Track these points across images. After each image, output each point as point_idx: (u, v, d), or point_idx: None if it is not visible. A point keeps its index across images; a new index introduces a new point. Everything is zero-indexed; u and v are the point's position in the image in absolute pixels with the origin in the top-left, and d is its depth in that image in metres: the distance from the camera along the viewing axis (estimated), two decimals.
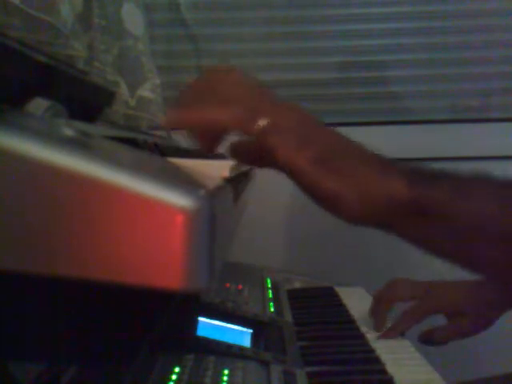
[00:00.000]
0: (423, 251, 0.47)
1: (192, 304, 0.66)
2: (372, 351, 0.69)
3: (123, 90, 0.93)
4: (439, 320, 0.82)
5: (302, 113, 0.49)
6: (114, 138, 0.40)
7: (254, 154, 0.48)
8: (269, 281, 0.97)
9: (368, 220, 0.46)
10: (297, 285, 1.02)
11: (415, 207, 0.44)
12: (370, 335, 0.75)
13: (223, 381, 0.55)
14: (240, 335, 0.70)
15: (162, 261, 0.21)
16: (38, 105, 0.28)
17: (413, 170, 0.47)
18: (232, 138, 0.49)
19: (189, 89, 0.50)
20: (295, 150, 0.45)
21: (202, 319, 0.68)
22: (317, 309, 0.88)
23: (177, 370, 0.55)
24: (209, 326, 0.69)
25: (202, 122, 0.47)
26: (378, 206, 0.45)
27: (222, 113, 0.46)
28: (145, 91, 0.97)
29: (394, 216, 0.45)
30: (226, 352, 0.61)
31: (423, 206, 0.44)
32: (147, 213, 0.21)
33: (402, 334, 0.79)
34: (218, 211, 0.23)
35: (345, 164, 0.46)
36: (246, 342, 0.69)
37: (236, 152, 0.49)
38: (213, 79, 0.50)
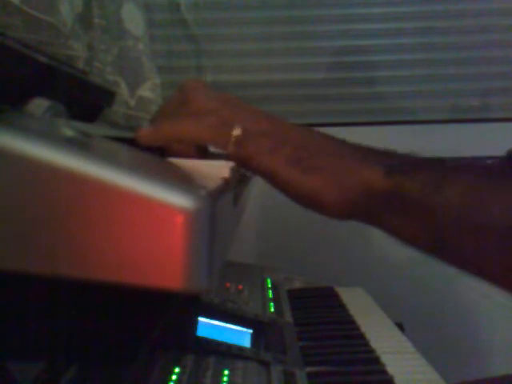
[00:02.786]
0: (402, 243, 0.47)
1: (192, 304, 0.66)
2: (372, 351, 0.69)
3: (123, 90, 0.93)
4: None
5: (272, 117, 0.49)
6: (113, 138, 0.40)
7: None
8: (269, 281, 0.97)
9: (350, 214, 0.46)
10: (297, 285, 1.02)
11: (392, 197, 0.44)
12: (371, 335, 0.75)
13: (223, 381, 0.55)
14: (240, 335, 0.70)
15: (162, 261, 0.21)
16: (38, 105, 0.28)
17: (390, 161, 0.47)
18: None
19: (161, 107, 0.50)
20: (269, 153, 0.45)
21: (201, 319, 0.68)
22: (317, 309, 0.88)
23: (177, 370, 0.55)
24: (209, 326, 0.69)
25: (175, 135, 0.46)
26: (357, 198, 0.45)
27: (195, 125, 0.46)
28: (145, 91, 0.97)
29: (373, 207, 0.45)
30: (226, 352, 0.61)
31: (399, 196, 0.44)
32: (147, 213, 0.21)
33: (402, 329, 0.79)
34: (217, 211, 0.23)
35: (320, 160, 0.46)
36: (246, 342, 0.69)
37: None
38: (183, 94, 0.50)
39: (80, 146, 0.23)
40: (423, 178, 0.44)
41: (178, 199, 0.21)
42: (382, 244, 0.97)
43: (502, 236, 0.42)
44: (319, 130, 0.50)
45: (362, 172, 0.45)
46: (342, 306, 0.88)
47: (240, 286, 0.88)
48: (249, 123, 0.46)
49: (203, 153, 0.49)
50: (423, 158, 0.49)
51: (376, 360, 0.67)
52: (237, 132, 0.45)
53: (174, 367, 0.55)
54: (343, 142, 0.49)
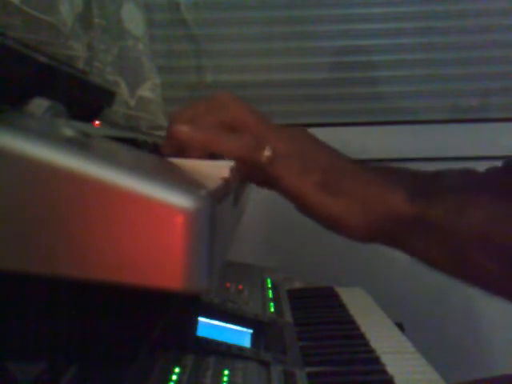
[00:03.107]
0: (427, 266, 0.48)
1: (192, 304, 0.66)
2: (372, 351, 0.69)
3: (123, 90, 0.93)
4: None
5: (302, 137, 0.49)
6: (114, 138, 0.40)
7: (257, 178, 0.48)
8: (269, 281, 0.97)
9: (373, 238, 0.47)
10: (297, 285, 1.02)
11: (416, 223, 0.45)
12: (371, 335, 0.75)
13: (223, 381, 0.55)
14: (240, 335, 0.70)
15: (162, 261, 0.21)
16: (38, 105, 0.28)
17: (413, 185, 0.48)
18: None
19: (194, 107, 0.49)
20: (299, 177, 0.46)
21: (201, 319, 0.68)
22: (317, 309, 0.88)
23: (177, 370, 0.55)
24: (209, 326, 0.69)
25: (209, 146, 0.45)
26: (381, 223, 0.46)
27: (230, 141, 0.46)
28: (145, 91, 0.97)
29: (397, 232, 0.46)
30: (226, 352, 0.61)
31: (424, 221, 0.45)
32: (147, 213, 0.21)
33: (402, 329, 0.79)
34: (218, 211, 0.23)
35: (347, 185, 0.46)
36: (246, 342, 0.69)
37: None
38: (218, 105, 0.49)
39: (80, 146, 0.23)
40: (445, 202, 0.46)
41: (178, 199, 0.21)
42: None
43: None
44: (344, 154, 0.50)
45: (385, 197, 0.46)
46: (342, 306, 0.88)
47: (240, 286, 0.88)
48: (280, 144, 0.46)
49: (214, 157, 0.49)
50: (445, 176, 0.50)
51: (376, 360, 0.67)
52: (268, 153, 0.45)
53: (174, 367, 0.55)
54: (367, 166, 0.50)
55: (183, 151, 0.46)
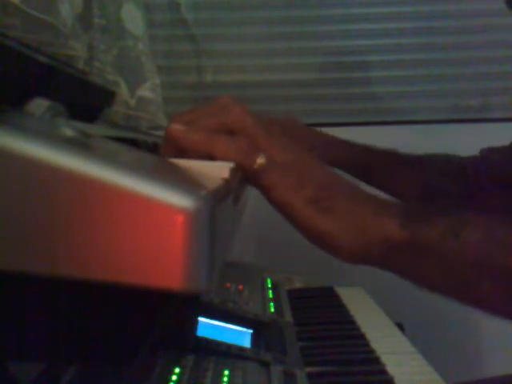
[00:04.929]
0: (421, 288, 0.48)
1: (192, 304, 0.66)
2: (372, 351, 0.69)
3: (123, 90, 0.93)
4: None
5: (297, 149, 0.49)
6: (113, 138, 0.40)
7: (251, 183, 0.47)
8: (269, 281, 0.97)
9: (363, 260, 0.46)
10: (297, 285, 1.02)
11: (409, 247, 0.45)
12: (371, 335, 0.75)
13: (223, 381, 0.55)
14: (240, 335, 0.70)
15: (162, 261, 0.21)
16: (38, 105, 0.28)
17: (405, 209, 0.47)
18: None
19: (192, 110, 0.49)
20: (290, 189, 0.45)
21: (202, 319, 0.68)
22: (317, 309, 0.88)
23: (177, 370, 0.55)
24: (209, 326, 0.69)
25: (205, 148, 0.45)
26: (372, 246, 0.45)
27: (226, 144, 0.45)
28: (145, 91, 0.97)
29: (389, 256, 0.46)
30: (226, 352, 0.61)
31: (416, 246, 0.45)
32: (147, 213, 0.21)
33: (402, 329, 0.79)
34: (217, 211, 0.23)
35: (340, 204, 0.46)
36: (246, 342, 0.69)
37: None
38: (218, 107, 0.49)
39: (80, 146, 0.23)
40: (439, 225, 0.45)
41: (178, 199, 0.21)
42: None
43: None
44: (339, 174, 0.50)
45: (379, 221, 0.45)
46: (342, 306, 0.88)
47: (240, 286, 0.88)
48: (276, 152, 0.46)
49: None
50: (431, 205, 0.50)
51: (376, 360, 0.67)
52: (261, 160, 0.45)
53: (174, 367, 0.55)
54: (360, 188, 0.49)
55: (180, 152, 0.45)
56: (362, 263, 0.47)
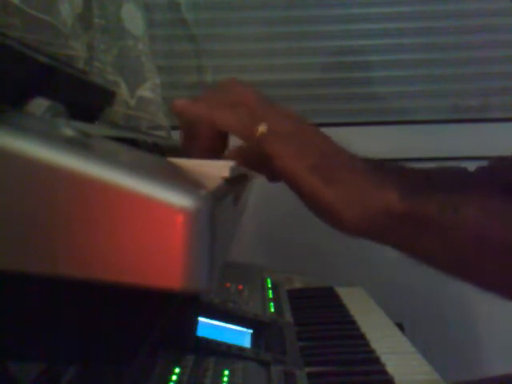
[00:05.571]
0: (420, 263, 0.48)
1: (192, 304, 0.66)
2: (372, 351, 0.69)
3: (123, 90, 0.93)
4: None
5: (300, 120, 0.49)
6: (114, 138, 0.40)
7: (255, 160, 0.48)
8: (269, 281, 0.97)
9: (365, 232, 0.47)
10: (297, 285, 1.02)
11: (408, 219, 0.45)
12: (371, 335, 0.75)
13: (223, 381, 0.55)
14: (240, 335, 0.70)
15: (162, 261, 0.21)
16: (38, 105, 0.28)
17: (406, 182, 0.47)
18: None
19: (201, 94, 0.52)
20: (294, 157, 0.45)
21: (202, 319, 0.68)
22: (317, 309, 0.88)
23: (177, 370, 0.55)
24: (209, 326, 0.69)
25: (206, 116, 0.47)
26: (373, 218, 0.45)
27: (226, 112, 0.47)
28: (145, 91, 0.97)
29: (389, 228, 0.46)
30: (226, 352, 0.61)
31: (416, 218, 0.45)
32: (147, 213, 0.21)
33: (402, 329, 0.79)
34: (218, 211, 0.23)
35: (342, 173, 0.46)
36: (246, 342, 0.69)
37: (237, 157, 0.49)
38: (222, 87, 0.51)
39: (80, 146, 0.23)
40: (439, 199, 0.45)
41: (178, 199, 0.21)
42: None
43: None
44: (342, 145, 0.50)
45: (380, 193, 0.45)
46: (342, 306, 0.88)
47: (240, 286, 0.88)
48: (276, 122, 0.47)
49: (223, 143, 0.50)
50: (437, 174, 0.51)
51: (376, 360, 0.67)
52: (262, 128, 0.45)
53: (174, 367, 0.55)
54: (362, 159, 0.49)
55: (191, 128, 0.47)
56: (362, 235, 0.47)
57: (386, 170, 0.50)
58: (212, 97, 0.50)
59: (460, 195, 0.46)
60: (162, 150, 0.53)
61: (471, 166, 0.55)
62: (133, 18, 0.97)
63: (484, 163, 0.56)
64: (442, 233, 0.45)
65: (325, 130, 0.50)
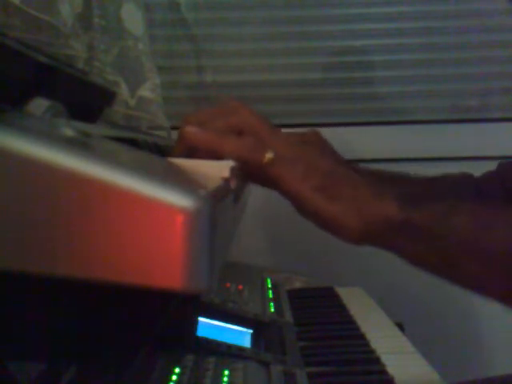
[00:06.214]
0: (418, 268, 0.52)
1: (192, 304, 0.66)
2: (372, 351, 0.69)
3: (123, 90, 0.93)
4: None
5: (306, 145, 0.54)
6: (113, 138, 0.40)
7: (258, 178, 0.52)
8: (269, 281, 0.97)
9: (367, 240, 0.51)
10: (297, 285, 1.02)
11: (405, 228, 0.49)
12: (371, 335, 0.75)
13: (223, 381, 0.55)
14: (240, 335, 0.70)
15: (163, 261, 0.21)
16: (38, 105, 0.28)
17: (403, 194, 0.53)
18: None
19: (201, 111, 0.54)
20: (299, 179, 0.49)
21: (202, 319, 0.68)
22: (317, 309, 0.88)
23: (177, 370, 0.55)
24: (209, 326, 0.69)
25: (215, 147, 0.49)
26: (375, 227, 0.50)
27: (235, 143, 0.49)
28: (145, 91, 0.97)
29: (388, 235, 0.50)
30: (226, 352, 0.61)
31: (412, 227, 0.50)
32: (147, 213, 0.21)
33: (402, 329, 0.79)
34: (218, 212, 0.23)
35: (344, 190, 0.50)
36: (246, 342, 0.69)
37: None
38: (228, 110, 0.54)
39: (80, 146, 0.23)
40: (432, 210, 0.51)
41: (178, 199, 0.21)
42: None
43: (505, 259, 0.48)
44: (344, 160, 0.56)
45: (380, 204, 0.50)
46: (341, 306, 0.88)
47: (240, 286, 0.88)
48: (283, 148, 0.50)
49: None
50: (435, 183, 0.57)
51: (376, 360, 0.67)
52: (270, 155, 0.49)
53: (174, 367, 0.55)
54: (365, 171, 0.55)
55: (192, 152, 0.49)
56: (365, 243, 0.51)
57: (385, 180, 0.56)
58: (219, 123, 0.52)
59: (452, 206, 0.51)
60: (162, 150, 0.53)
61: (471, 166, 0.56)
62: (133, 18, 0.97)
63: (485, 163, 0.60)
64: (435, 241, 0.50)
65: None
